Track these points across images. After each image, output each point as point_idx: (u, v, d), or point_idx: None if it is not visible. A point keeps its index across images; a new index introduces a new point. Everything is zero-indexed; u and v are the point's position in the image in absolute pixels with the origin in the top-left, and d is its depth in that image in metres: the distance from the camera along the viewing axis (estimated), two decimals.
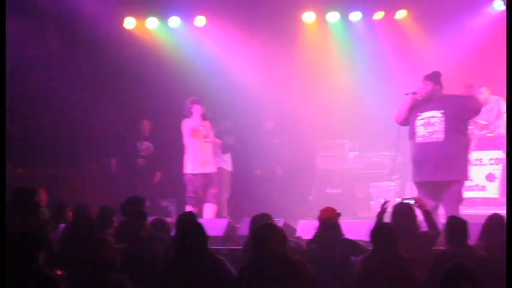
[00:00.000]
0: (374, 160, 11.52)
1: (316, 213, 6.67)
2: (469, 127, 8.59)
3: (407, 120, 8.35)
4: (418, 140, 8.21)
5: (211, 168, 10.21)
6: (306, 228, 7.29)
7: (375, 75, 11.85)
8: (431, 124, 8.11)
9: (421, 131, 8.18)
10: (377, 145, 11.59)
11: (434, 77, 8.28)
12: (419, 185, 8.31)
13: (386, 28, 12.23)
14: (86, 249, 5.61)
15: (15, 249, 5.18)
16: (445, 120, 8.05)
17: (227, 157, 11.59)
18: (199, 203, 10.15)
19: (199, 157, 10.10)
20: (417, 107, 8.28)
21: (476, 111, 8.30)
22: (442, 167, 8.03)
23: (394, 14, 12.16)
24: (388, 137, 10.63)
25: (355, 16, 12.30)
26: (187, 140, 10.13)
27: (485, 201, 10.30)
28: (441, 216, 7.76)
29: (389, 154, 11.22)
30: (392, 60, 11.95)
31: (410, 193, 10.29)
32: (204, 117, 10.17)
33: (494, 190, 10.09)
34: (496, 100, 10.71)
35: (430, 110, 8.15)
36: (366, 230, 6.66)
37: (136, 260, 6.23)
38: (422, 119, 8.18)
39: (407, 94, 8.33)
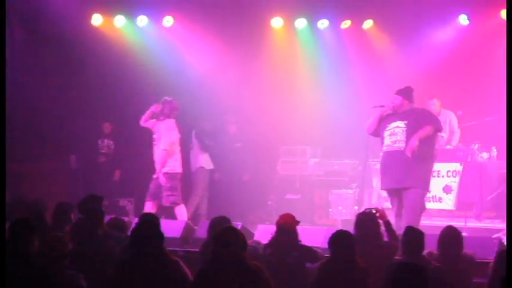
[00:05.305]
0: (334, 168, 11.57)
1: (275, 218, 6.69)
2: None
3: (378, 131, 8.62)
4: (384, 149, 8.54)
5: None
6: (264, 233, 7.30)
7: (340, 83, 11.92)
8: (394, 134, 8.42)
9: (386, 140, 8.50)
10: (338, 153, 11.65)
11: (405, 93, 8.55)
12: (387, 192, 8.72)
13: (353, 37, 12.32)
14: (39, 246, 5.55)
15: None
16: (406, 130, 8.32)
17: (207, 156, 11.68)
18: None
19: None
20: (386, 119, 8.59)
21: (432, 122, 8.47)
22: (401, 174, 8.29)
23: (361, 24, 12.28)
24: (350, 145, 10.72)
25: (323, 24, 12.38)
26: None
27: (441, 212, 10.42)
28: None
29: (350, 162, 11.30)
30: (358, 68, 12.05)
31: (368, 201, 10.39)
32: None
33: (450, 202, 10.20)
34: (447, 113, 10.85)
35: (396, 121, 8.46)
36: (324, 237, 6.69)
37: (91, 258, 6.18)
38: (389, 129, 8.49)
39: (375, 107, 8.62)
